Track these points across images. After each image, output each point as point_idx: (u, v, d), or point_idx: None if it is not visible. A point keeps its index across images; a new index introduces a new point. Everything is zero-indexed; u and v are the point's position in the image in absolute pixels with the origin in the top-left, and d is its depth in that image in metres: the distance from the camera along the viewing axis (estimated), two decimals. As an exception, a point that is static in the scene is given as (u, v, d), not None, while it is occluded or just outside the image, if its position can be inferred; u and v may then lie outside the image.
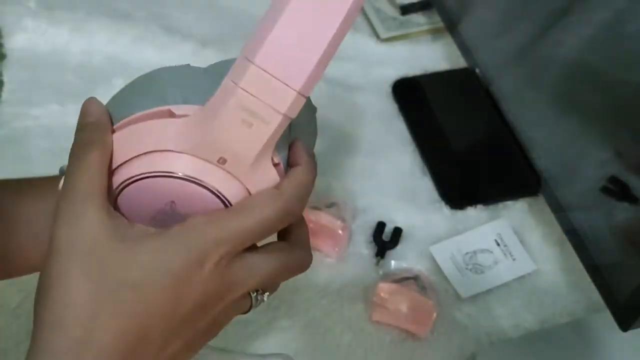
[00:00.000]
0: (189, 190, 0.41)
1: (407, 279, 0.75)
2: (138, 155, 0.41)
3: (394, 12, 1.01)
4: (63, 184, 0.41)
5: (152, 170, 0.41)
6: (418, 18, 1.01)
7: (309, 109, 0.48)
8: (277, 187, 0.42)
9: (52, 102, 0.87)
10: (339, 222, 0.77)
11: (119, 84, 0.95)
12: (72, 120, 0.94)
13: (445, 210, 0.82)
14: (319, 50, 0.37)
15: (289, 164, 0.44)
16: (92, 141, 0.42)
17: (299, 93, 0.38)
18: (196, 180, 0.40)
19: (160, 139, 0.40)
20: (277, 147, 0.42)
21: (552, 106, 0.77)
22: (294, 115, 0.39)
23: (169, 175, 0.41)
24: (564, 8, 0.73)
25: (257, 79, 0.38)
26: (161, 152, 0.40)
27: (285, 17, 0.37)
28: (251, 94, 0.38)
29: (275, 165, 0.42)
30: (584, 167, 0.72)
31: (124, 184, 0.41)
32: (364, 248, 0.79)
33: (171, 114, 0.41)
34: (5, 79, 0.89)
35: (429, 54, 0.97)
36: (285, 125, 0.39)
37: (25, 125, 0.85)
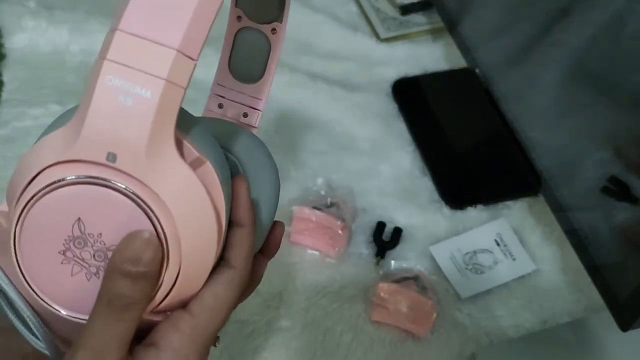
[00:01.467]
0: (90, 197, 0.33)
1: (407, 279, 0.75)
2: (26, 185, 0.35)
3: (394, 12, 1.01)
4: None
5: (38, 189, 0.34)
6: (418, 18, 1.01)
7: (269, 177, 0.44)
8: (226, 260, 0.38)
9: (52, 102, 0.87)
10: (339, 222, 0.77)
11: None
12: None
13: (445, 210, 0.82)
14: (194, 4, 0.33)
15: (231, 215, 0.38)
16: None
17: (179, 52, 0.33)
18: (90, 180, 0.33)
19: (42, 158, 0.34)
20: (220, 174, 0.36)
21: (552, 106, 0.77)
22: (181, 81, 0.33)
23: (58, 186, 0.33)
24: (564, 8, 0.73)
25: (126, 45, 0.32)
26: (46, 169, 0.34)
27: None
28: (122, 64, 0.32)
29: (195, 160, 0.35)
30: (584, 167, 0.72)
31: (19, 218, 0.34)
32: (364, 248, 0.79)
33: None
34: (5, 79, 0.89)
35: (429, 54, 0.97)
36: (176, 99, 0.33)
37: (25, 125, 0.85)
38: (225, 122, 0.49)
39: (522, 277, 0.77)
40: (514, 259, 0.78)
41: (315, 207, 0.78)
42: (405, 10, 1.01)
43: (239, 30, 0.49)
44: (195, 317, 0.37)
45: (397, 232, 0.79)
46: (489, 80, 0.87)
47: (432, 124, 0.89)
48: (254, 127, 0.50)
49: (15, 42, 0.92)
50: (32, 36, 0.92)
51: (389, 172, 0.86)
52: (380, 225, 0.80)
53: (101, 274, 0.34)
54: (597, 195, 0.70)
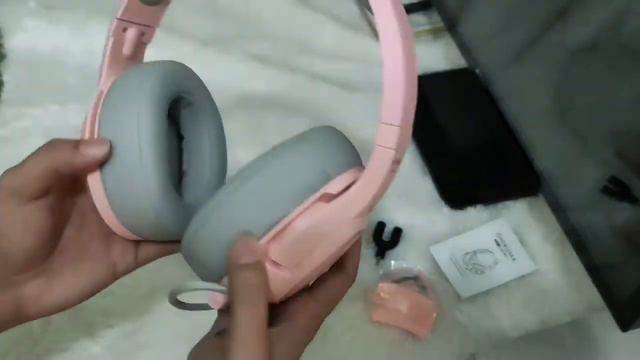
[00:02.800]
0: None
1: (407, 279, 0.75)
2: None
3: (394, 12, 1.01)
4: (234, 324, 0.43)
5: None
6: (418, 18, 1.01)
7: None
8: (343, 266, 0.50)
9: (52, 102, 0.87)
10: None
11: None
12: (72, 120, 0.94)
13: (445, 210, 0.82)
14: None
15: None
16: (260, 285, 0.44)
17: (399, 127, 0.46)
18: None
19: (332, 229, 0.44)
20: None
21: (552, 106, 0.77)
22: (399, 154, 0.46)
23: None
24: (564, 8, 0.73)
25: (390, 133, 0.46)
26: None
27: (407, 79, 0.44)
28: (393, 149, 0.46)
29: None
30: (584, 167, 0.72)
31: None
32: (364, 248, 0.79)
33: (328, 197, 0.44)
34: (5, 79, 0.89)
35: (429, 54, 0.97)
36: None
37: (25, 125, 0.85)
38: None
39: (522, 277, 0.77)
40: (514, 259, 0.78)
41: (315, 207, 0.78)
42: (405, 10, 1.01)
43: None
44: (319, 303, 0.49)
45: (397, 232, 0.79)
46: (489, 80, 0.87)
47: (432, 123, 0.89)
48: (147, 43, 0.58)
49: (15, 42, 0.92)
50: (32, 36, 0.92)
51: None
52: (380, 225, 0.80)
53: None
54: (597, 195, 0.70)
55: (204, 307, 0.47)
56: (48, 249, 0.50)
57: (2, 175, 0.48)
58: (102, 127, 0.49)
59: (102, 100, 0.50)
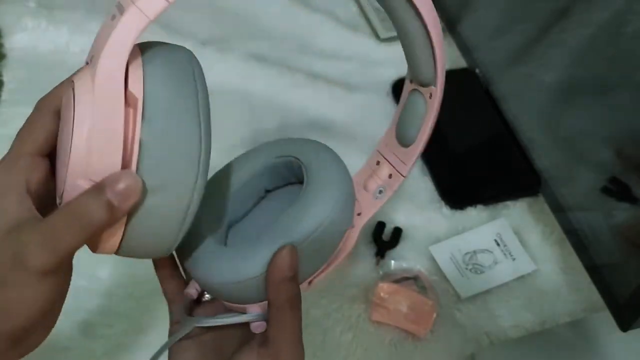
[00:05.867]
0: (67, 99, 0.40)
1: (407, 279, 0.75)
2: None
3: (394, 12, 1.01)
4: (282, 331, 0.47)
5: None
6: (418, 18, 1.01)
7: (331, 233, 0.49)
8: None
9: (52, 102, 0.87)
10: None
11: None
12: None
13: (445, 210, 0.82)
14: None
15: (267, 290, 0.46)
16: (299, 294, 0.48)
17: None
18: (71, 84, 0.40)
19: None
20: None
21: (552, 106, 0.77)
22: (150, 12, 0.37)
23: None
24: (564, 8, 0.73)
25: None
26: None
27: None
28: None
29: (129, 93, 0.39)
30: (584, 167, 0.72)
31: None
32: (364, 248, 0.78)
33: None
34: (5, 79, 0.89)
35: (429, 54, 0.97)
36: (139, 25, 0.37)
37: (25, 125, 0.85)
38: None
39: (522, 277, 0.77)
40: (513, 259, 0.78)
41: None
42: (405, 10, 1.01)
43: (410, 92, 0.52)
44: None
45: (397, 232, 0.79)
46: (489, 80, 0.87)
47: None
48: (391, 190, 0.54)
49: (15, 42, 0.92)
50: (32, 36, 0.92)
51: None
52: (380, 225, 0.80)
53: (60, 159, 0.40)
54: (597, 195, 0.70)
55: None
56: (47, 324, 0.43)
57: (27, 241, 0.39)
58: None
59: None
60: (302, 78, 0.92)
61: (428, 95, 0.51)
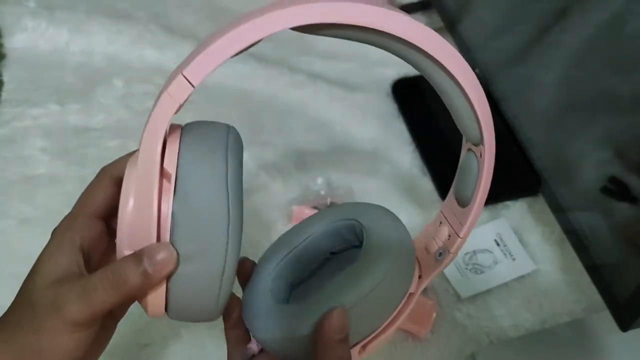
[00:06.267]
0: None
1: (407, 279, 0.75)
2: None
3: (394, 12, 1.01)
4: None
5: None
6: (418, 18, 1.01)
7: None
8: None
9: (52, 102, 0.87)
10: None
11: (118, 84, 0.95)
12: (72, 120, 0.94)
13: (445, 210, 0.82)
14: (211, 47, 0.41)
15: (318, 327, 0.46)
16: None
17: (183, 75, 0.40)
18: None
19: None
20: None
21: (552, 106, 0.77)
22: (179, 97, 0.40)
23: None
24: (564, 8, 0.73)
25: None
26: None
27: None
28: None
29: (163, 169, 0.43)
30: (584, 167, 0.72)
31: None
32: (364, 248, 0.78)
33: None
34: (5, 79, 0.89)
35: (429, 54, 0.97)
36: (170, 110, 0.40)
37: (25, 125, 0.85)
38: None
39: (522, 277, 0.77)
40: (513, 259, 0.78)
41: (315, 207, 0.78)
42: (405, 10, 1.01)
43: (466, 151, 0.54)
44: None
45: (397, 232, 0.79)
46: (489, 80, 0.87)
47: (432, 124, 0.89)
48: (450, 252, 0.52)
49: (15, 42, 0.92)
50: (32, 36, 0.92)
51: (389, 172, 0.86)
52: (380, 225, 0.79)
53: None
54: (597, 195, 0.70)
55: None
56: None
57: (67, 292, 0.43)
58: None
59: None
60: (302, 78, 0.92)
61: (479, 154, 0.53)
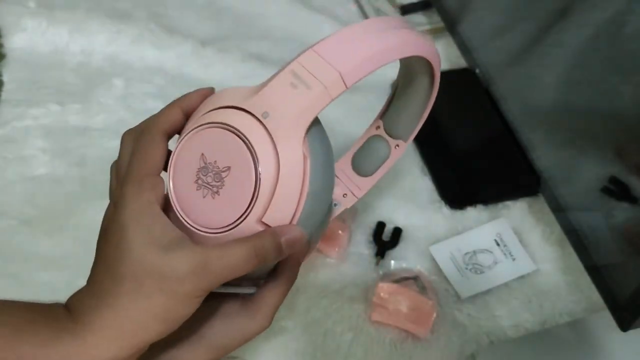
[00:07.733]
0: (211, 136, 0.45)
1: (407, 279, 0.75)
2: (206, 112, 0.46)
3: (393, 12, 1.01)
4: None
5: (188, 130, 0.46)
6: (418, 18, 1.01)
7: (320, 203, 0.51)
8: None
9: (52, 102, 0.87)
10: (339, 223, 0.77)
11: (118, 84, 0.95)
12: (72, 120, 0.94)
13: (445, 210, 0.82)
14: (365, 55, 0.46)
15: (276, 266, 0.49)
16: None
17: (340, 75, 0.44)
18: (224, 126, 0.44)
19: (226, 99, 0.46)
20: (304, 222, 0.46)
21: (552, 106, 0.77)
22: (333, 93, 0.44)
23: (199, 128, 0.45)
24: (564, 8, 0.73)
25: (311, 58, 0.46)
26: (215, 110, 0.46)
27: (350, 27, 0.47)
28: (302, 65, 0.45)
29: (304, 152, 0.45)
30: (584, 167, 0.72)
31: (172, 156, 0.46)
32: (364, 248, 0.79)
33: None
34: (5, 79, 0.89)
35: (429, 54, 0.97)
36: (323, 102, 0.44)
37: (25, 125, 0.85)
38: None
39: (522, 277, 0.77)
40: (513, 259, 0.78)
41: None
42: (405, 10, 1.01)
43: (372, 136, 0.61)
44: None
45: (397, 232, 0.79)
46: (489, 80, 0.87)
47: (432, 124, 0.88)
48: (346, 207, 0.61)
49: (15, 42, 0.92)
50: (32, 36, 0.92)
51: (388, 172, 0.85)
52: (380, 225, 0.80)
53: (220, 192, 0.45)
54: (597, 195, 0.70)
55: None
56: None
57: (186, 265, 0.44)
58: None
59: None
60: (302, 78, 0.92)
61: (395, 145, 0.60)
